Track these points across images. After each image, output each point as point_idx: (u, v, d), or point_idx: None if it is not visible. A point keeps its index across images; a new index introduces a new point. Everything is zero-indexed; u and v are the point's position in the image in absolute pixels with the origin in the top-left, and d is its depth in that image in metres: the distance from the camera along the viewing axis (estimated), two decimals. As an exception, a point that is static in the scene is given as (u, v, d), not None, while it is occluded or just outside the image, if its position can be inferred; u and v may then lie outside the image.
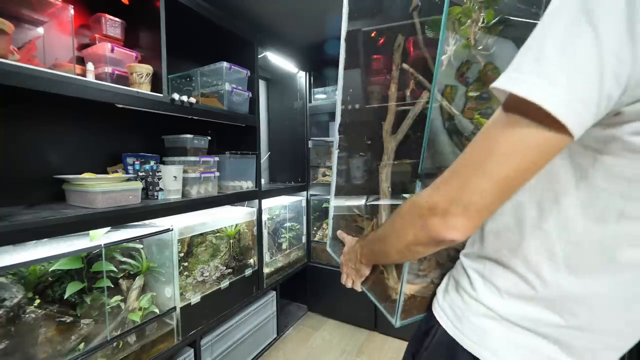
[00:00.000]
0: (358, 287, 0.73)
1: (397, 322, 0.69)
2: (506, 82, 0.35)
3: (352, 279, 0.72)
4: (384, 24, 0.78)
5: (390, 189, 0.75)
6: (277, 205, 2.09)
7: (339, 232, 0.82)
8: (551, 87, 0.31)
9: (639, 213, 0.37)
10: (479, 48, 0.63)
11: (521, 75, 0.34)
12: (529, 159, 0.35)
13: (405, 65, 0.71)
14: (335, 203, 0.90)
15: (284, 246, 2.16)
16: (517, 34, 0.62)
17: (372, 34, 0.80)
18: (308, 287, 2.38)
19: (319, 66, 2.27)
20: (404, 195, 0.74)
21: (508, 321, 0.48)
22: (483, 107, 0.66)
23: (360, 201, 0.87)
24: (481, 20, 0.61)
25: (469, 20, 0.62)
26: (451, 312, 0.55)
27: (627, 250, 0.39)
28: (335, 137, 0.87)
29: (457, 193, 0.40)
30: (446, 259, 0.67)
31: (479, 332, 0.50)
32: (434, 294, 0.62)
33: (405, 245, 0.49)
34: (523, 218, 0.46)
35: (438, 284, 0.63)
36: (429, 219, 0.43)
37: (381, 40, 0.78)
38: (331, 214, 0.91)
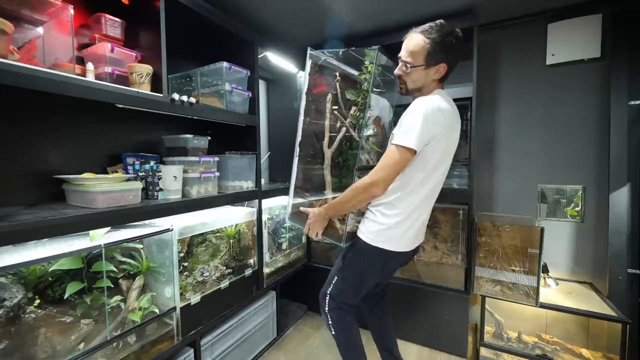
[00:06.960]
0: (320, 237, 1.25)
1: (343, 244, 1.24)
2: (396, 139, 1.06)
3: (317, 232, 1.24)
4: (325, 85, 1.39)
5: (330, 180, 1.34)
6: (277, 205, 2.09)
7: (302, 208, 1.32)
8: (409, 140, 1.04)
9: (425, 172, 1.13)
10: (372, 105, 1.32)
11: (399, 138, 1.06)
12: (403, 162, 1.06)
13: (335, 112, 1.34)
14: (293, 191, 1.38)
15: (284, 246, 2.16)
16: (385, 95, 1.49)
17: (316, 91, 1.41)
18: (308, 287, 2.38)
19: (319, 66, 2.29)
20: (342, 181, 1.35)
21: (390, 227, 1.15)
22: (374, 138, 1.42)
23: (312, 189, 1.39)
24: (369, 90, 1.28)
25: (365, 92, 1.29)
26: (365, 230, 1.20)
27: (425, 183, 1.14)
28: (296, 150, 1.38)
29: (380, 176, 1.06)
30: (360, 212, 1.30)
31: (379, 235, 1.17)
32: (357, 229, 1.25)
33: (359, 201, 1.12)
34: (396, 184, 1.13)
35: (358, 225, 1.26)
36: (370, 187, 1.07)
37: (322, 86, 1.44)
38: (290, 198, 1.38)
